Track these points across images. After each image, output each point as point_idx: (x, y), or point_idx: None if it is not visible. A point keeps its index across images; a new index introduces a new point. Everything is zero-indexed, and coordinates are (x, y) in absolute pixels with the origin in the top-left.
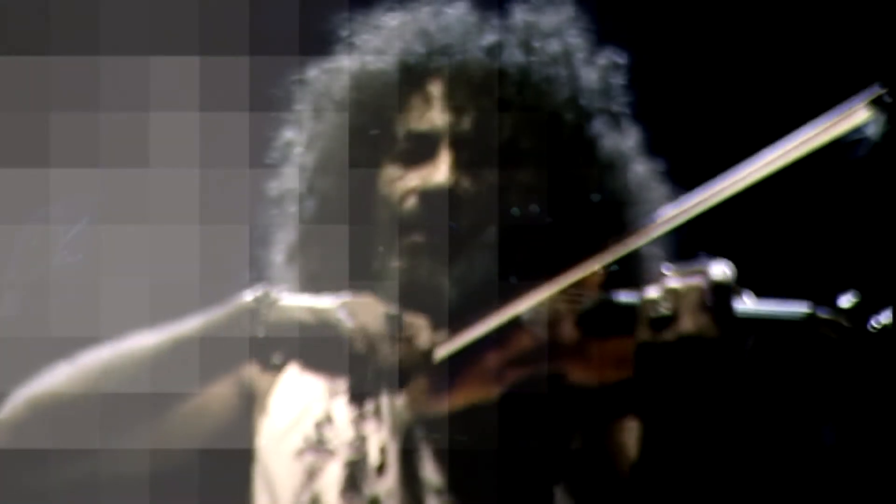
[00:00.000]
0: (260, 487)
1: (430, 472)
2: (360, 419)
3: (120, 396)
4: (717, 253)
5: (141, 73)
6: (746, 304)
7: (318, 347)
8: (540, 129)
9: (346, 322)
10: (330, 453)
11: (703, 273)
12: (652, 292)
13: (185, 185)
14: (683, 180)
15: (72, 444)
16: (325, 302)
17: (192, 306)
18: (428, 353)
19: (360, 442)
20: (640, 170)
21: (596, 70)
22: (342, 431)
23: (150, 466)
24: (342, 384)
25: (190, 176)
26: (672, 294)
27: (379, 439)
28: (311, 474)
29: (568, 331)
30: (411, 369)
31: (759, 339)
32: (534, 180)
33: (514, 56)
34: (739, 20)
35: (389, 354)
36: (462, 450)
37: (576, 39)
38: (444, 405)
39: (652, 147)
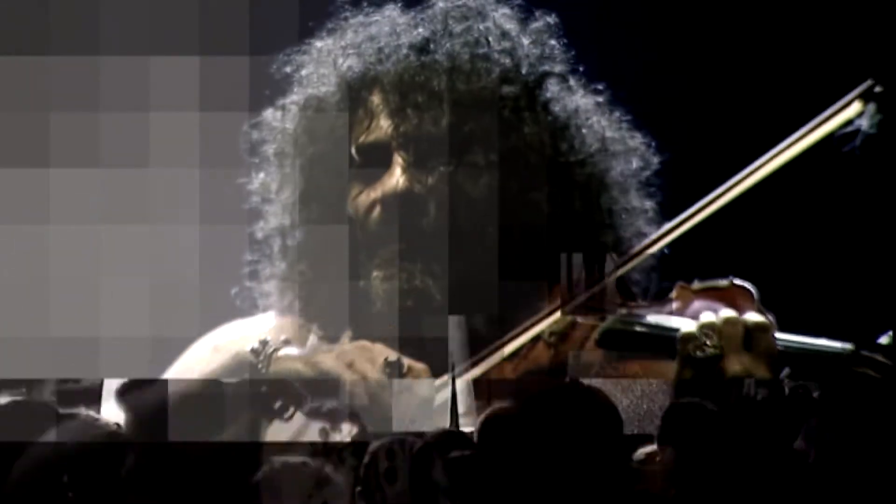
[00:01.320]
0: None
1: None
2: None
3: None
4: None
5: (141, 73)
6: (787, 337)
7: (319, 398)
8: (483, 110)
9: (345, 373)
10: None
11: (729, 292)
12: (689, 326)
13: (185, 185)
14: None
15: None
16: (324, 352)
17: (191, 306)
18: (429, 399)
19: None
20: (601, 122)
21: (531, 35)
22: (350, 437)
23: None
24: (346, 432)
25: (190, 176)
26: (713, 331)
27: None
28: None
29: (589, 349)
30: (412, 413)
31: (794, 371)
32: (492, 161)
33: (440, 46)
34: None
35: (390, 402)
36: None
37: (502, 11)
38: (462, 422)
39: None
